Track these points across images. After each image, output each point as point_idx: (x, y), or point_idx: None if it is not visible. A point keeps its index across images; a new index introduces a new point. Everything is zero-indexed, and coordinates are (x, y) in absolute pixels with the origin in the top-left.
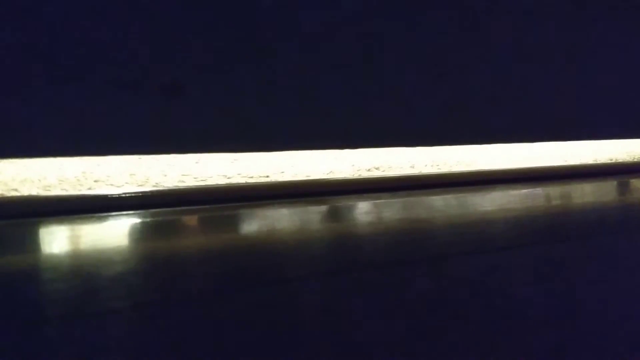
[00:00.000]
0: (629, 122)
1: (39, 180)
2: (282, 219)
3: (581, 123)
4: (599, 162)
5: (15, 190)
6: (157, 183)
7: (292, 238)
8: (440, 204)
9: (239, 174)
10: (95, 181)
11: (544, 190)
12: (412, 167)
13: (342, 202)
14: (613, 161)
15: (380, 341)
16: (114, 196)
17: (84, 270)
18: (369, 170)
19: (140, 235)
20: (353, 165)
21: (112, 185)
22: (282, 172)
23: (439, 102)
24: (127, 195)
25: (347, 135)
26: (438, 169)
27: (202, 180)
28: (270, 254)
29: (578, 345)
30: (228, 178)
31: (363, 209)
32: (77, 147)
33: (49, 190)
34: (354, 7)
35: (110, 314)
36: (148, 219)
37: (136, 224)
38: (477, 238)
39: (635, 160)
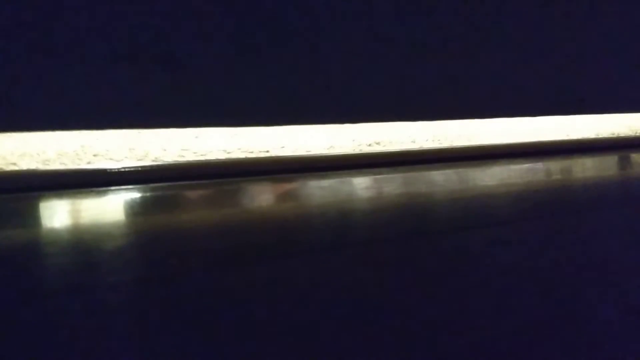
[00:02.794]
0: (632, 96)
1: (38, 154)
2: (282, 194)
3: (583, 97)
4: (600, 136)
5: (14, 164)
6: (156, 157)
7: (292, 213)
8: (442, 178)
9: (239, 149)
10: (95, 155)
11: (545, 164)
12: (413, 141)
13: (343, 177)
14: (615, 136)
15: (380, 314)
16: (113, 170)
17: (83, 245)
18: (369, 145)
19: (139, 209)
20: (354, 140)
21: (111, 159)
22: (283, 147)
23: (440, 76)
24: (126, 169)
25: (348, 109)
26: (439, 143)
27: (201, 155)
28: (270, 228)
29: (576, 316)
30: (228, 153)
31: (364, 184)
32: (76, 122)
33: (48, 164)
34: None
35: (110, 288)
36: (147, 194)
37: (135, 198)
38: (478, 212)
39: (638, 134)
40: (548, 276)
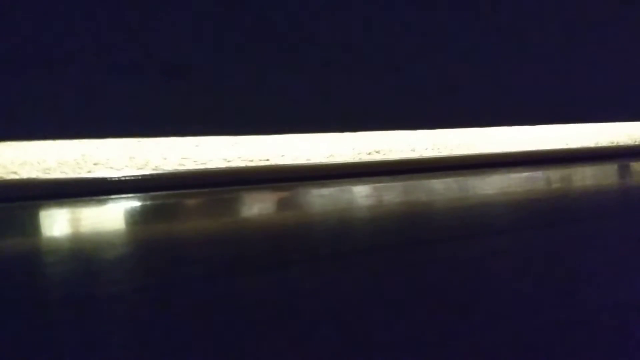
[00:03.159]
0: (631, 104)
1: (38, 163)
2: (282, 203)
3: (582, 106)
4: (600, 145)
5: (15, 173)
6: (156, 166)
7: (292, 221)
8: (441, 187)
9: (239, 158)
10: (95, 164)
11: (545, 173)
12: (413, 150)
13: (343, 185)
14: (614, 144)
15: (378, 323)
16: (113, 179)
17: (83, 254)
18: (369, 153)
19: (139, 218)
20: (353, 149)
21: (111, 168)
22: (283, 156)
23: (440, 84)
24: (127, 178)
25: (348, 118)
26: (439, 152)
27: (202, 164)
28: (270, 237)
29: (577, 326)
30: (228, 161)
31: (364, 193)
32: (76, 130)
33: (48, 173)
34: None
35: (110, 297)
36: (147, 202)
37: (135, 207)
38: (478, 221)
39: (637, 143)
40: (547, 285)
